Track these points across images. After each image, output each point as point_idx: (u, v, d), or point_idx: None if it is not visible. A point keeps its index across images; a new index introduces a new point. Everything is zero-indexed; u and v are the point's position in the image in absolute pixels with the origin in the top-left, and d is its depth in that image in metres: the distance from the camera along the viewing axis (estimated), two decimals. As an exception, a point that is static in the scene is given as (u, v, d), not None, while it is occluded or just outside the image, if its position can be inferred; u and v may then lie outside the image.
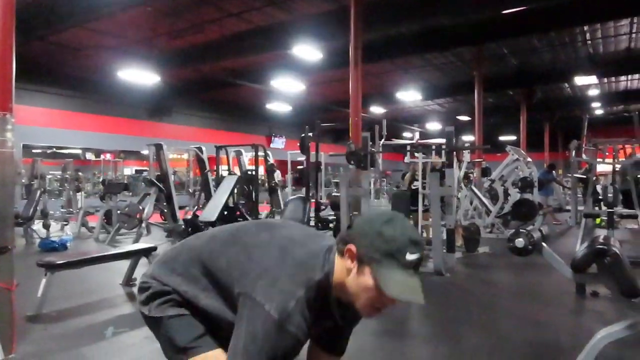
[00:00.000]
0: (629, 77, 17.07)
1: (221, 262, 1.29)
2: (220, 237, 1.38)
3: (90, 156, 20.24)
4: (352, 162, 6.73)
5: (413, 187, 7.34)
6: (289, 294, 1.16)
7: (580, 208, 10.35)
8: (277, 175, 13.81)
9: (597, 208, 9.48)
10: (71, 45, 11.69)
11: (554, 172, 12.85)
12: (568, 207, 12.09)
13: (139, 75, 12.15)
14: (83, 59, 12.74)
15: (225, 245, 1.33)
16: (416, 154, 7.30)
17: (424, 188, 6.94)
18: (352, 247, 1.18)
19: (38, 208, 8.62)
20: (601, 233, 5.46)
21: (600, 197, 10.01)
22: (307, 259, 1.23)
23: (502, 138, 23.04)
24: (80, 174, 13.44)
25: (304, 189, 9.70)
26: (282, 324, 1.13)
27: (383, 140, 8.34)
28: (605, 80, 16.96)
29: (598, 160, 9.45)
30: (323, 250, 1.25)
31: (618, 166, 8.53)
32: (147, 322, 1.41)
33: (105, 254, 5.11)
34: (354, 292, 1.20)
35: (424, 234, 7.00)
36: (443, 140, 6.76)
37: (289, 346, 1.16)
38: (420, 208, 6.87)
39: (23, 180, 11.36)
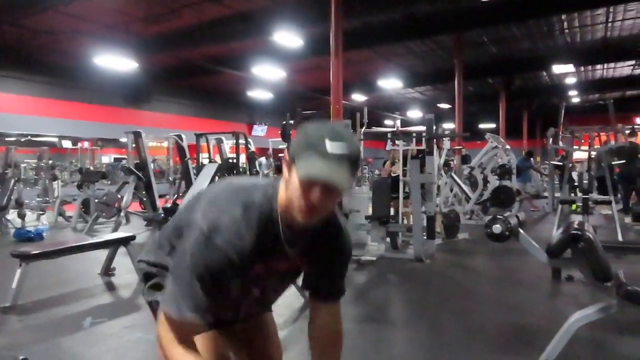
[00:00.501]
0: (605, 65, 17.36)
1: (181, 214, 1.35)
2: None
3: (67, 144, 19.87)
4: (332, 149, 6.70)
5: (393, 175, 7.37)
6: (224, 211, 1.15)
7: (557, 194, 10.54)
8: (264, 163, 13.74)
9: (573, 194, 9.67)
10: (45, 29, 11.39)
11: (531, 159, 13.04)
12: (545, 194, 12.31)
13: (116, 62, 11.91)
14: (57, 44, 12.43)
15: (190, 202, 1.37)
16: (397, 142, 7.32)
17: (404, 175, 6.97)
18: (285, 155, 1.18)
19: (12, 197, 8.44)
20: (576, 219, 5.56)
21: (576, 184, 10.22)
22: (249, 186, 1.23)
23: (481, 126, 23.27)
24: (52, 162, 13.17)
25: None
26: (210, 236, 1.12)
27: (364, 128, 8.34)
28: (582, 69, 17.23)
29: (574, 147, 9.62)
30: (269, 181, 1.26)
31: (593, 153, 8.69)
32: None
33: (83, 243, 5.04)
34: (288, 199, 1.16)
35: (405, 221, 7.05)
36: (423, 128, 6.79)
37: (215, 261, 1.13)
38: (401, 195, 6.91)
39: (-4, 169, 11.09)
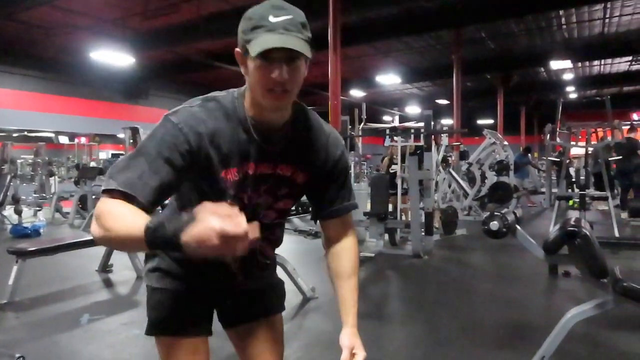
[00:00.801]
0: (602, 61, 17.36)
1: None
2: None
3: (64, 140, 19.80)
4: (330, 145, 6.71)
5: (391, 171, 7.38)
6: (187, 103, 1.17)
7: (554, 190, 10.56)
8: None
9: (570, 190, 9.68)
10: (41, 24, 11.33)
11: (529, 155, 13.06)
12: (543, 190, 12.33)
13: (113, 57, 11.86)
14: (54, 38, 12.37)
15: None
16: (395, 138, 7.32)
17: (402, 171, 6.98)
18: (236, 50, 1.14)
19: (9, 193, 8.41)
20: (573, 215, 5.57)
21: (573, 180, 10.22)
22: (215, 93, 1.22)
23: (480, 122, 23.28)
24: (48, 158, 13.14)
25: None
26: (167, 116, 1.12)
27: (363, 124, 8.33)
28: (580, 64, 17.22)
29: (572, 143, 9.62)
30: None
31: (590, 149, 8.70)
32: None
33: (80, 240, 5.00)
34: (253, 90, 1.13)
35: (403, 217, 7.06)
36: (422, 124, 6.79)
37: (169, 134, 1.08)
38: (399, 191, 6.92)
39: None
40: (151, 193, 1.05)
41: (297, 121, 1.24)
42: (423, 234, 6.15)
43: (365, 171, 16.73)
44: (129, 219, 0.98)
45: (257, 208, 1.24)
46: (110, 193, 1.04)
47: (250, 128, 1.16)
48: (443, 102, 20.91)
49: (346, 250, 1.36)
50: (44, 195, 11.14)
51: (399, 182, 6.92)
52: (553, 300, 4.50)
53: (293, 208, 9.49)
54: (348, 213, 1.36)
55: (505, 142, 9.77)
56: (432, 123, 6.51)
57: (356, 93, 18.42)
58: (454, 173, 9.40)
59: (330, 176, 1.31)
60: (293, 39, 1.06)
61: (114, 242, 1.04)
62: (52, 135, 18.43)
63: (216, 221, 0.84)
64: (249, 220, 0.90)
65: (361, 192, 7.01)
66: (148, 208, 1.04)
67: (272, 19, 1.06)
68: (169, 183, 1.08)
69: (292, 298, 4.03)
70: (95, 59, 12.03)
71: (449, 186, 9.44)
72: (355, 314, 1.32)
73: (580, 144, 9.49)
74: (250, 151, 1.17)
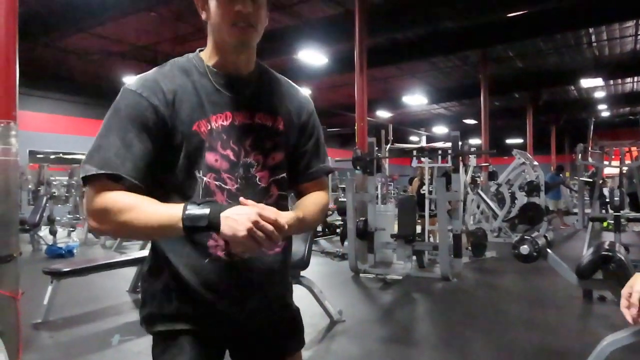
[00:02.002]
0: (635, 79, 16.97)
1: None
2: None
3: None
4: (358, 167, 6.73)
5: (422, 192, 7.32)
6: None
7: (588, 211, 10.29)
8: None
9: (604, 211, 9.42)
10: (76, 50, 11.77)
11: (562, 174, 12.78)
12: (575, 210, 12.03)
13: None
14: (88, 64, 12.81)
15: None
16: (422, 159, 7.29)
17: (430, 193, 6.92)
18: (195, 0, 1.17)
19: (45, 214, 8.66)
20: (607, 238, 5.42)
21: (607, 200, 9.96)
22: None
23: (509, 141, 22.96)
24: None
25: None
26: (125, 87, 1.12)
27: (389, 145, 8.33)
28: (611, 82, 16.88)
29: (604, 163, 9.40)
30: None
31: (625, 169, 8.48)
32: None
33: (112, 260, 5.12)
34: (215, 31, 1.15)
35: (431, 239, 6.98)
36: (449, 145, 6.74)
37: (131, 104, 1.09)
38: (427, 213, 6.86)
39: (30, 186, 11.42)
40: (133, 167, 1.04)
41: (263, 72, 1.25)
42: (452, 256, 6.06)
43: (393, 192, 16.63)
44: (149, 208, 1.03)
45: (249, 168, 1.17)
46: (94, 181, 1.04)
47: (212, 77, 1.16)
48: (471, 122, 20.73)
49: (314, 195, 1.29)
50: (77, 216, 11.42)
51: (426, 203, 6.87)
52: (588, 325, 4.35)
53: (320, 229, 9.49)
54: (325, 175, 1.34)
55: (535, 162, 9.61)
56: (460, 144, 6.46)
57: (383, 114, 18.44)
58: (482, 194, 9.27)
59: (305, 130, 1.28)
60: None
61: (132, 234, 1.08)
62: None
63: (252, 212, 0.99)
64: (246, 185, 1.10)
65: (388, 214, 6.97)
66: (138, 184, 1.05)
67: None
68: (147, 153, 1.07)
69: (318, 321, 4.01)
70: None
71: (478, 207, 9.30)
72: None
73: (613, 163, 9.27)
74: (218, 100, 1.15)
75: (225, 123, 1.14)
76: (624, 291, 1.13)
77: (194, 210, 1.00)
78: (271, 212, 1.03)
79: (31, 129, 12.64)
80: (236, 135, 1.15)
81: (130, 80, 1.14)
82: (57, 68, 13.28)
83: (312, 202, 1.27)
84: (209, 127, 1.12)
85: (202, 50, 1.22)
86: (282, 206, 1.20)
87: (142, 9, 9.14)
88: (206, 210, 1.00)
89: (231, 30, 1.10)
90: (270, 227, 1.00)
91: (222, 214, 0.99)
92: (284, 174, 1.25)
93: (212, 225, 0.99)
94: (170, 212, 1.00)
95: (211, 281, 1.14)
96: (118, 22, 9.66)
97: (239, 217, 0.99)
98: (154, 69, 1.17)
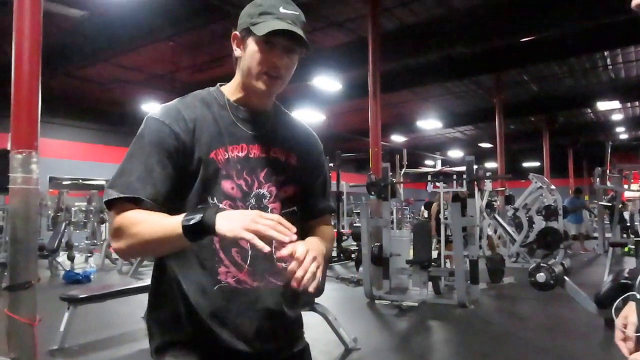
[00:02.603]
0: (653, 101, 16.80)
1: None
2: None
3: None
4: (372, 192, 6.72)
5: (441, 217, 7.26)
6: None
7: (608, 235, 10.09)
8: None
9: (624, 236, 9.23)
10: (96, 79, 12.07)
11: (582, 196, 12.59)
12: (596, 235, 11.80)
13: (162, 109, 12.42)
14: (107, 92, 13.12)
15: None
16: (437, 183, 7.26)
17: (445, 218, 6.87)
18: (234, 32, 1.21)
19: (63, 240, 8.77)
20: (628, 263, 5.30)
21: (627, 225, 9.77)
22: None
23: (525, 164, 22.78)
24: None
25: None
26: (149, 116, 1.17)
27: (404, 169, 8.33)
28: (629, 104, 16.72)
29: (624, 187, 9.25)
30: None
31: (645, 193, 8.33)
32: None
33: (128, 287, 5.14)
34: (245, 71, 1.19)
35: (447, 265, 6.89)
36: (464, 168, 6.72)
37: (154, 131, 1.13)
38: (443, 238, 6.80)
39: (49, 212, 11.60)
40: (153, 191, 1.09)
41: (279, 111, 1.32)
42: (468, 282, 5.97)
43: (408, 217, 16.51)
44: (156, 219, 1.05)
45: (262, 199, 1.20)
46: (116, 204, 1.09)
47: (232, 110, 1.22)
48: (486, 145, 20.64)
49: (322, 229, 1.34)
50: (95, 241, 11.55)
51: (442, 228, 6.81)
52: (610, 356, 4.22)
53: (334, 255, 9.45)
54: (330, 213, 1.40)
55: (553, 187, 9.50)
56: (475, 168, 6.43)
57: (397, 138, 18.47)
58: (499, 218, 9.17)
59: (315, 169, 1.35)
60: (298, 29, 1.14)
61: (144, 247, 1.08)
62: (104, 183, 19.24)
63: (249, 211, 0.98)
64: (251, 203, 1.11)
65: (403, 239, 6.92)
66: (158, 207, 1.08)
67: (282, 9, 1.15)
68: (168, 177, 1.11)
69: (333, 349, 3.96)
70: (146, 111, 12.63)
71: (495, 232, 9.19)
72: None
73: (633, 186, 9.12)
74: (236, 133, 1.20)
75: (241, 154, 1.19)
76: (618, 322, 1.09)
77: (192, 213, 1.01)
78: (273, 215, 1.02)
79: (51, 155, 12.90)
80: (250, 167, 1.20)
81: (153, 110, 1.20)
82: (77, 96, 13.61)
83: (323, 233, 1.30)
84: (226, 156, 1.17)
85: (222, 85, 1.28)
86: None
87: (161, 40, 9.38)
88: (201, 212, 1.00)
89: (261, 77, 1.17)
90: (270, 221, 0.98)
91: (218, 214, 0.98)
92: (295, 207, 1.28)
93: (207, 223, 0.98)
94: (173, 220, 1.02)
95: (220, 309, 1.14)
96: (137, 51, 9.91)
97: (237, 214, 0.99)
98: (176, 99, 1.23)
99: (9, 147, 3.33)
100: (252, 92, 1.21)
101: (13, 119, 3.29)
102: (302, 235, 1.27)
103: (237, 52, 1.21)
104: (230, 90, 1.25)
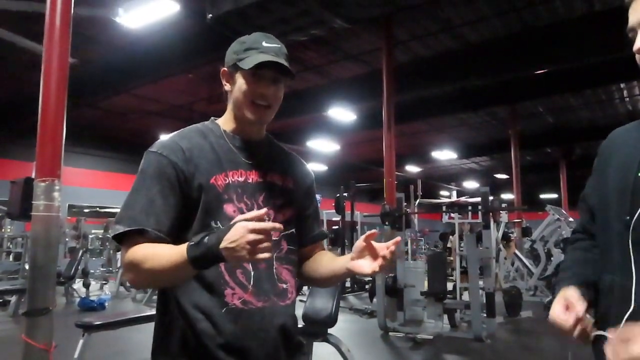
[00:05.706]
0: (672, 133, 16.61)
1: None
2: None
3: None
4: (386, 223, 6.71)
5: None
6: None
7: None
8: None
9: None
10: (116, 109, 12.37)
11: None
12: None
13: (180, 138, 12.64)
14: (127, 122, 13.41)
15: None
16: (452, 214, 7.23)
17: (460, 249, 6.81)
18: (223, 69, 1.29)
19: (79, 267, 8.86)
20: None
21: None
22: None
23: (542, 196, 22.53)
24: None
25: (339, 249, 9.66)
26: (148, 151, 1.24)
27: (418, 200, 8.32)
28: (648, 136, 16.55)
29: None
30: None
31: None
32: None
33: (142, 315, 5.13)
34: (236, 103, 1.27)
35: (463, 297, 6.80)
36: (479, 199, 6.69)
37: (153, 164, 1.19)
38: (458, 270, 6.73)
39: (67, 239, 11.75)
40: (156, 221, 1.14)
41: (271, 141, 1.41)
42: (485, 315, 5.87)
43: (423, 247, 16.34)
44: (165, 250, 1.09)
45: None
46: (124, 239, 1.14)
47: (229, 139, 1.29)
48: (502, 176, 20.52)
49: (324, 253, 1.43)
50: (110, 269, 11.63)
51: (457, 259, 6.75)
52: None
53: (348, 285, 9.37)
54: (323, 239, 1.47)
55: (571, 219, 9.38)
56: (490, 199, 6.40)
57: (412, 168, 18.47)
58: (516, 251, 9.05)
59: (309, 195, 1.43)
60: (283, 61, 1.24)
61: (157, 282, 1.14)
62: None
63: (246, 222, 0.99)
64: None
65: (418, 270, 6.86)
66: (162, 236, 1.13)
67: (264, 44, 1.25)
68: (170, 206, 1.16)
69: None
70: (164, 140, 12.88)
71: (512, 264, 9.06)
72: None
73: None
74: (235, 159, 1.27)
75: (240, 179, 1.26)
76: (614, 345, 0.88)
77: (194, 251, 1.03)
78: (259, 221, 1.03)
79: (71, 183, 13.14)
80: (250, 191, 1.26)
81: (152, 145, 1.27)
82: (97, 126, 13.93)
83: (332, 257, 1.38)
84: (227, 181, 1.23)
85: (215, 119, 1.37)
86: (291, 260, 1.30)
87: (179, 72, 9.63)
88: (204, 249, 1.01)
89: (250, 107, 1.26)
90: (263, 226, 1.00)
91: (221, 247, 0.99)
92: (293, 230, 1.34)
93: (218, 258, 1.01)
94: (179, 251, 1.05)
95: (227, 335, 1.15)
96: (156, 83, 10.18)
97: (235, 243, 0.98)
98: (172, 133, 1.30)
99: (33, 176, 3.43)
100: (245, 122, 1.29)
101: (38, 148, 3.39)
102: (300, 259, 1.39)
103: (226, 86, 1.31)
104: (224, 122, 1.33)
